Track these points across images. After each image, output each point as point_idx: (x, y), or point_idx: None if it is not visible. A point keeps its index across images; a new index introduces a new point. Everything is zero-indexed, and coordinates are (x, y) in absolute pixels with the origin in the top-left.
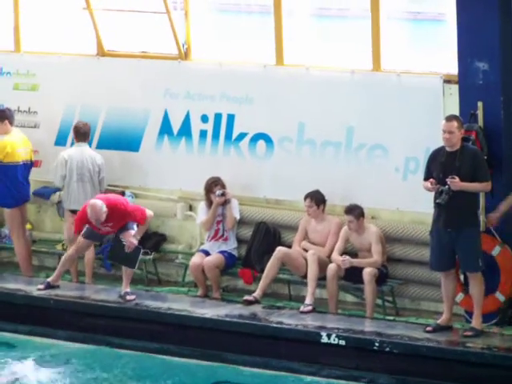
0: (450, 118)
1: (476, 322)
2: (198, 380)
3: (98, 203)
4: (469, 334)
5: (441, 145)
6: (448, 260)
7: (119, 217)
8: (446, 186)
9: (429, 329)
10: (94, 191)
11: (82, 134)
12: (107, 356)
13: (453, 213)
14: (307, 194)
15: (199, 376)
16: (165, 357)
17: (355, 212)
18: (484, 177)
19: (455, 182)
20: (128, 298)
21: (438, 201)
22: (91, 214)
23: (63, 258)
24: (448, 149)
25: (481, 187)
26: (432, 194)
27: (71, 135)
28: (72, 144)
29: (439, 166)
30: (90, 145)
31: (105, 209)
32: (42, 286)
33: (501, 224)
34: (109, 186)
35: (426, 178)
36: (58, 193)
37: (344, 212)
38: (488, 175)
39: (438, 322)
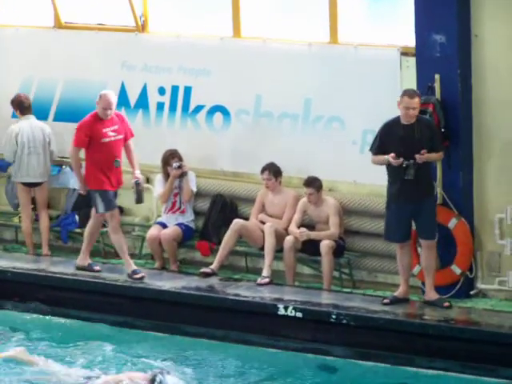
0: (412, 95)
1: (431, 293)
2: (155, 352)
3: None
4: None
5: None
6: (405, 231)
7: (122, 123)
8: (411, 161)
9: (385, 301)
10: (45, 162)
11: (27, 106)
12: (65, 327)
13: (416, 186)
14: (264, 166)
15: (156, 348)
16: (122, 329)
17: (315, 184)
18: (441, 146)
19: (424, 157)
20: (136, 276)
21: (407, 177)
22: (105, 100)
23: (87, 234)
24: (405, 122)
25: (439, 157)
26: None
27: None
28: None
29: (398, 140)
30: (47, 117)
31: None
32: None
33: (457, 196)
34: (66, 158)
35: (379, 152)
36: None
37: (304, 184)
38: (442, 144)
39: (395, 294)
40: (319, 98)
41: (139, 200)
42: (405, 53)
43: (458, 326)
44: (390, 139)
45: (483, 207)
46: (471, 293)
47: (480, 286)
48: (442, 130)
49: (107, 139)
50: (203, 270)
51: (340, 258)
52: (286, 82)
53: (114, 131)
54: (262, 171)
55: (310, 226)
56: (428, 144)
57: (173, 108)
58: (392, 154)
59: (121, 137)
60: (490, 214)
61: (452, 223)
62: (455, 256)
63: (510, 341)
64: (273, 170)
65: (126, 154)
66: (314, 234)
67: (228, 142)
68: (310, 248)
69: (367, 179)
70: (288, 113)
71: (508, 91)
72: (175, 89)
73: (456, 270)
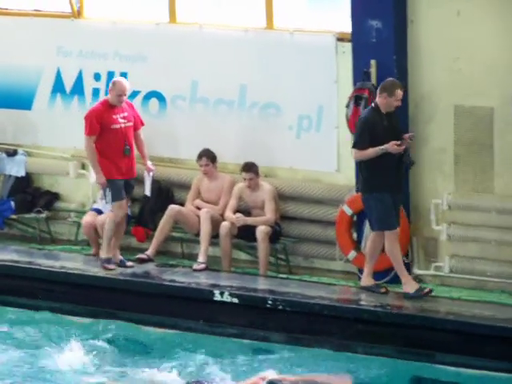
0: (402, 87)
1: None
2: (91, 339)
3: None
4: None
5: (334, 103)
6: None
7: (132, 110)
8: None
9: (383, 290)
10: None
11: None
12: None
13: (398, 175)
14: (201, 152)
15: (92, 335)
16: (58, 315)
17: (254, 169)
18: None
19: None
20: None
21: (410, 163)
22: (120, 86)
23: (107, 232)
24: (384, 111)
25: None
26: (328, 153)
27: None
28: None
29: (383, 130)
30: None
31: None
32: (112, 266)
33: None
34: (0, 144)
35: (370, 146)
36: None
37: (243, 170)
38: None
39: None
40: (255, 83)
41: (150, 192)
42: (341, 38)
43: (394, 311)
44: (377, 130)
45: (419, 193)
46: None
47: (416, 271)
48: None
49: (117, 125)
50: (139, 255)
51: (276, 244)
52: (221, 68)
53: (123, 118)
54: (200, 157)
55: (246, 212)
56: (399, 128)
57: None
58: (395, 142)
59: (130, 124)
60: (426, 200)
61: None
62: None
63: (446, 326)
64: (210, 156)
65: (136, 144)
66: (250, 220)
67: (164, 128)
68: (246, 234)
69: (303, 165)
70: (224, 99)
71: (443, 76)
72: (111, 75)
73: None
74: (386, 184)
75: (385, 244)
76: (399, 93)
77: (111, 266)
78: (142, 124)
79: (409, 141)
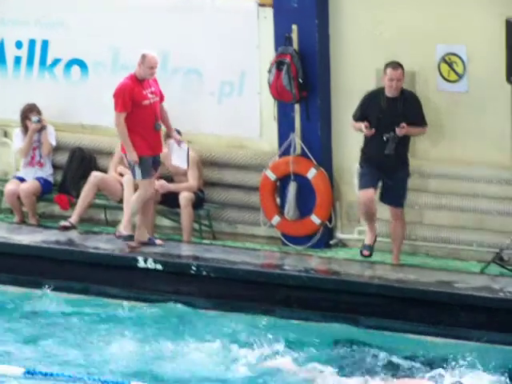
0: (396, 66)
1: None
2: (15, 309)
3: None
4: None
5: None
6: (376, 181)
7: (156, 84)
8: (392, 134)
9: (366, 253)
10: None
11: None
12: None
13: (389, 160)
14: None
15: (15, 302)
16: None
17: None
18: (424, 120)
19: (404, 130)
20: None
21: (387, 151)
22: (151, 59)
23: (133, 208)
24: (389, 94)
25: (421, 131)
26: (251, 119)
27: None
28: None
29: (379, 111)
30: None
31: None
32: (134, 244)
33: (316, 147)
34: None
35: (360, 120)
36: None
37: (167, 136)
38: (425, 118)
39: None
40: (177, 50)
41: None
42: (262, 4)
43: (318, 275)
44: (371, 109)
45: (342, 157)
46: (331, 242)
47: (339, 235)
48: (300, 80)
49: (147, 101)
50: (62, 223)
51: (199, 210)
52: (143, 35)
53: (152, 93)
54: None
55: (169, 178)
56: (410, 118)
57: (30, 62)
58: (366, 124)
59: (157, 99)
60: (349, 164)
61: (311, 173)
62: (314, 206)
63: (370, 290)
64: None
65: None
66: (172, 187)
67: (86, 95)
68: (169, 200)
69: (226, 131)
70: None
71: (365, 41)
72: (32, 42)
73: (315, 220)
74: (371, 161)
75: None
76: (388, 72)
77: (133, 244)
78: (164, 97)
79: (398, 132)
